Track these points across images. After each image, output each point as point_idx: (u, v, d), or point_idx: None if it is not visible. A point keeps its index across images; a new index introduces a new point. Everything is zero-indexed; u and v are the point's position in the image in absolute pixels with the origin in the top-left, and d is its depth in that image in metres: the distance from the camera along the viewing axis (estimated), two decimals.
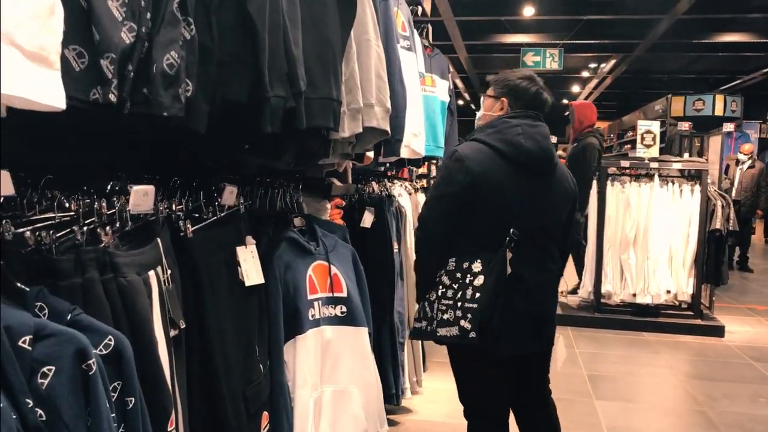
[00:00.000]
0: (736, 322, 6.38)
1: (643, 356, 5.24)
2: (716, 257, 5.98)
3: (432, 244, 2.36)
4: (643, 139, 6.22)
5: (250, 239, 1.64)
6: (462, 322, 2.19)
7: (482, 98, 2.60)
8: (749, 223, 9.57)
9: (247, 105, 1.42)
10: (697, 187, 5.93)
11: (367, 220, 3.07)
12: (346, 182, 2.97)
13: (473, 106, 22.85)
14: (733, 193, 9.24)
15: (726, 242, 6.02)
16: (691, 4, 8.90)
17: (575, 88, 18.54)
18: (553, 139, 8.87)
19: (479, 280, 2.21)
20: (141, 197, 1.20)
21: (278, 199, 2.03)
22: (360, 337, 2.02)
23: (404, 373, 3.61)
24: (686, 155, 9.18)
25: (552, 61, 10.61)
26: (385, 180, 3.61)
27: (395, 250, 3.41)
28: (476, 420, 2.43)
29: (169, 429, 1.14)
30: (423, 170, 15.62)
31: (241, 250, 1.60)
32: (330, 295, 1.97)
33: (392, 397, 3.44)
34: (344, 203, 2.88)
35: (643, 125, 6.25)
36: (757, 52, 12.39)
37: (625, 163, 6.27)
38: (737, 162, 9.60)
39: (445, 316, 2.23)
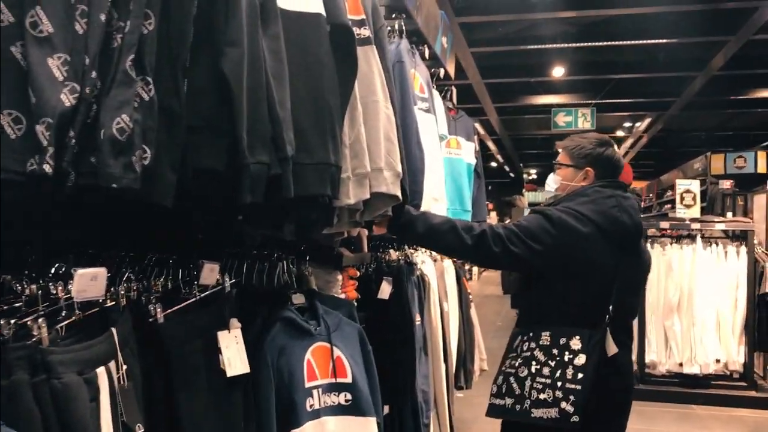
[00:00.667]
0: None
1: None
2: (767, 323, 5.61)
3: (485, 262, 2.32)
4: (682, 198, 5.94)
5: (234, 322, 1.46)
6: (563, 404, 2.06)
7: (556, 167, 2.53)
8: None
9: (225, 173, 1.26)
10: (743, 248, 5.62)
11: (385, 290, 2.87)
12: (361, 251, 2.80)
13: (507, 168, 22.76)
14: None
15: None
16: (725, 61, 8.71)
17: None
18: None
19: (580, 359, 2.09)
20: (87, 282, 1.04)
21: (278, 273, 1.86)
22: (368, 428, 1.80)
23: None
24: (729, 215, 8.84)
25: (584, 121, 10.45)
26: (406, 246, 3.41)
27: (417, 323, 3.19)
28: None
29: None
30: None
31: (223, 336, 1.41)
32: (332, 381, 1.76)
33: None
34: (359, 273, 2.69)
35: (681, 184, 5.99)
36: None
37: (664, 224, 6.01)
38: None
39: (542, 396, 2.10)
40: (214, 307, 1.45)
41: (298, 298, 1.82)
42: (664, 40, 8.35)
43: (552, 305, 2.23)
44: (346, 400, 1.79)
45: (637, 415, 5.24)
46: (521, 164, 22.14)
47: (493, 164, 21.84)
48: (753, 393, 5.56)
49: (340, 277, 2.45)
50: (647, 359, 5.79)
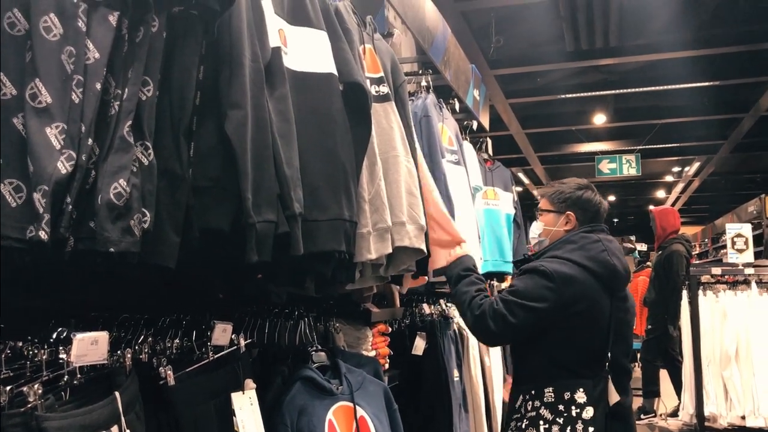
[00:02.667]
0: None
1: None
2: None
3: (481, 330, 2.19)
4: (734, 243, 5.76)
5: (249, 383, 1.45)
6: None
7: (538, 214, 2.52)
8: None
9: (232, 233, 1.27)
10: None
11: (419, 346, 2.82)
12: (392, 306, 2.77)
13: (536, 213, 22.46)
14: None
15: None
16: None
17: (660, 194, 17.93)
18: (643, 247, 8.46)
19: (588, 413, 2.07)
20: (88, 346, 1.04)
21: (300, 330, 1.84)
22: None
23: None
24: None
25: (629, 167, 10.29)
26: (441, 300, 3.37)
27: (455, 379, 3.12)
28: None
29: None
30: (506, 284, 15.30)
31: (236, 397, 1.40)
32: None
33: None
34: (390, 329, 2.65)
35: (732, 228, 5.81)
36: None
37: (716, 270, 5.79)
38: None
39: None
40: (228, 368, 1.44)
41: (320, 357, 1.80)
42: (706, 84, 8.24)
43: (551, 359, 2.18)
44: None
45: None
46: None
47: None
48: None
49: (369, 333, 2.43)
50: (707, 412, 5.51)
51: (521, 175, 14.45)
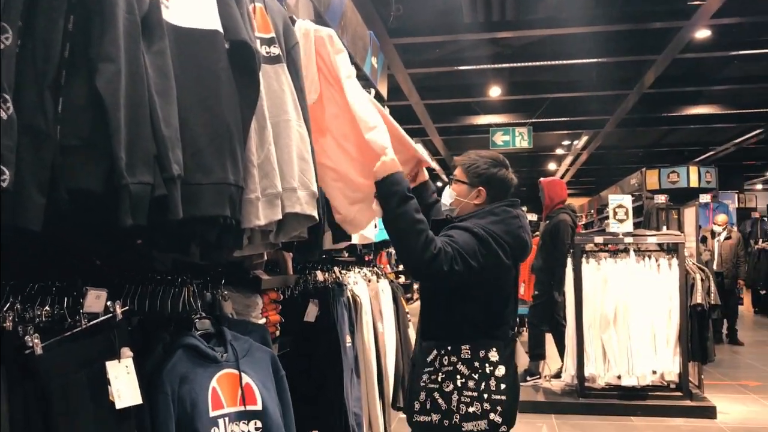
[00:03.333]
0: (728, 401, 6.07)
1: None
2: (700, 333, 5.73)
3: (432, 279, 2.27)
4: (615, 213, 6.06)
5: (126, 351, 1.39)
6: (491, 416, 2.17)
7: (452, 182, 2.57)
8: (734, 294, 9.36)
9: (105, 195, 1.21)
10: (675, 261, 5.75)
11: (311, 313, 2.82)
12: (285, 273, 2.74)
13: (450, 180, 22.97)
14: (714, 266, 9.08)
15: (709, 316, 5.78)
16: (656, 79, 9.00)
17: (551, 166, 18.68)
18: (534, 217, 8.81)
19: (501, 371, 2.22)
20: None
21: (184, 298, 1.79)
22: None
23: None
24: (664, 228, 9.08)
25: (521, 140, 10.63)
26: (336, 268, 3.37)
27: (348, 345, 3.14)
28: None
29: None
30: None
31: (111, 366, 1.34)
32: (241, 409, 1.69)
33: None
34: (282, 296, 2.63)
35: (614, 200, 6.12)
36: (726, 123, 12.54)
37: (599, 239, 6.11)
38: (713, 234, 9.50)
39: (471, 409, 2.17)
40: (102, 337, 1.37)
41: (204, 324, 1.75)
42: (594, 60, 8.58)
43: (467, 320, 2.30)
44: (257, 428, 1.72)
45: (576, 428, 5.28)
46: None
47: (439, 184, 22.04)
48: (688, 402, 5.66)
49: (259, 300, 2.39)
50: (586, 372, 5.84)
51: (420, 146, 14.63)
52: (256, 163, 1.85)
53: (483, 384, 2.19)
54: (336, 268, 3.38)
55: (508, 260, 2.28)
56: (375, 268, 4.25)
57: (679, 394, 5.74)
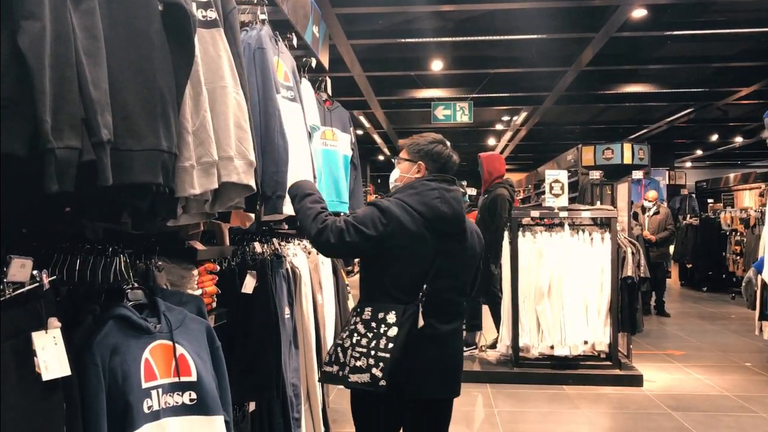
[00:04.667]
0: (654, 369, 6.33)
1: (564, 412, 5.07)
2: (630, 305, 5.95)
3: (322, 241, 2.50)
4: (551, 188, 6.19)
5: (53, 322, 1.35)
6: (374, 370, 2.38)
7: (396, 162, 2.84)
8: (662, 267, 9.72)
9: (29, 159, 1.15)
10: (608, 235, 5.92)
11: (249, 284, 2.79)
12: (222, 244, 2.70)
13: (395, 161, 23.01)
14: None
15: (639, 289, 6.00)
16: (593, 56, 9.16)
17: (491, 141, 18.90)
18: (473, 191, 8.89)
19: (393, 331, 2.41)
20: None
21: (115, 268, 1.74)
22: (214, 427, 1.72)
23: None
24: (599, 203, 9.33)
25: (462, 115, 10.69)
26: (275, 240, 3.34)
27: (286, 316, 3.13)
28: None
29: None
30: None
31: (38, 336, 1.30)
32: (175, 380, 1.67)
33: None
34: (219, 268, 2.59)
35: (550, 175, 6.24)
36: (659, 102, 12.91)
37: (535, 213, 6.23)
38: (643, 209, 9.81)
39: (358, 363, 2.42)
40: (28, 307, 1.32)
41: (136, 295, 1.71)
42: (535, 36, 8.66)
43: (376, 284, 2.55)
44: (191, 400, 1.70)
45: (512, 397, 5.43)
46: None
47: (381, 157, 22.04)
48: (617, 371, 5.88)
49: (195, 271, 2.35)
50: (521, 343, 5.99)
51: (362, 119, 14.56)
52: (191, 130, 1.81)
53: (373, 342, 2.42)
54: (275, 240, 3.36)
55: (421, 229, 2.48)
56: None
57: (609, 363, 5.95)
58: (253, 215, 2.71)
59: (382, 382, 2.36)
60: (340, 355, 2.49)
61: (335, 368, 2.49)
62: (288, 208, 2.83)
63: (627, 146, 13.01)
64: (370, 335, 2.43)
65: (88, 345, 1.51)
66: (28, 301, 1.33)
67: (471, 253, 2.67)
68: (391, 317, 2.44)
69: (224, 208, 2.14)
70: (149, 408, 1.59)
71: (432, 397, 2.60)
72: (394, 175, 2.82)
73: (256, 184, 2.13)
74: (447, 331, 2.57)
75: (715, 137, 17.49)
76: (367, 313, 2.49)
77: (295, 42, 3.76)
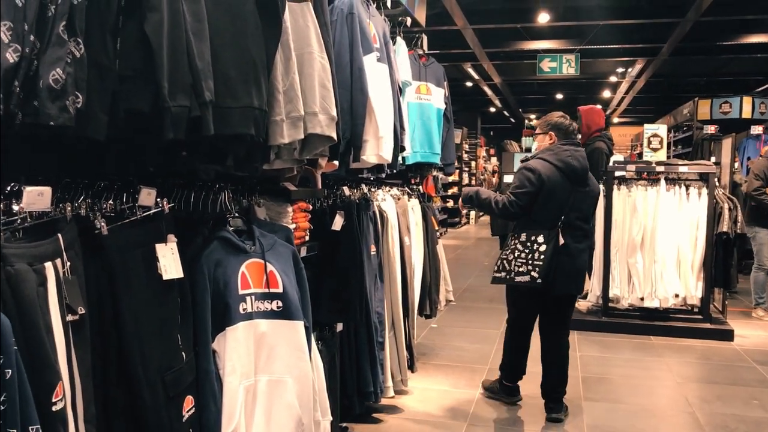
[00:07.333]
0: (750, 327, 6.30)
1: (646, 360, 5.24)
2: (724, 260, 5.92)
3: (508, 215, 3.90)
4: (650, 142, 6.20)
5: (171, 237, 1.79)
6: (532, 273, 3.69)
7: (533, 137, 4.24)
8: None
9: (151, 115, 1.57)
10: (705, 190, 5.89)
11: (337, 222, 3.20)
12: (315, 187, 3.11)
13: (506, 113, 22.85)
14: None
15: (734, 245, 5.95)
16: (708, 6, 8.81)
17: (606, 93, 18.38)
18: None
19: (542, 248, 3.69)
20: (35, 197, 1.36)
21: (220, 201, 2.17)
22: (295, 330, 2.15)
23: (384, 372, 3.72)
24: (712, 159, 9.07)
25: (569, 67, 10.60)
26: (363, 185, 3.73)
27: (372, 253, 3.53)
28: (516, 329, 4.10)
29: (54, 400, 1.29)
30: (455, 177, 15.64)
31: (160, 247, 1.74)
32: (265, 290, 2.10)
33: (371, 394, 3.56)
34: (311, 207, 3.01)
35: (649, 129, 6.25)
36: None
37: (630, 167, 6.27)
38: None
39: (521, 269, 3.73)
40: (153, 225, 1.77)
41: (236, 222, 2.14)
42: None
43: (529, 218, 3.78)
44: (278, 307, 2.13)
45: (598, 344, 5.64)
46: (520, 109, 22.19)
47: (492, 109, 21.93)
48: (707, 325, 5.91)
49: (290, 208, 2.77)
50: (611, 294, 6.14)
51: (471, 71, 14.63)
52: (282, 89, 2.19)
53: (530, 255, 3.71)
54: (364, 186, 3.75)
55: (562, 176, 3.73)
56: (406, 188, 4.59)
57: (700, 317, 5.99)
58: (336, 162, 3.09)
59: (539, 280, 3.66)
60: (506, 264, 3.80)
61: (503, 273, 3.80)
62: (372, 158, 3.20)
63: (747, 100, 12.35)
64: (527, 251, 3.71)
65: (198, 258, 1.96)
66: (153, 220, 1.78)
67: (591, 193, 3.90)
68: (541, 239, 3.69)
69: (311, 155, 2.53)
70: (244, 310, 2.03)
71: (567, 292, 3.84)
72: (534, 145, 4.14)
73: (337, 136, 2.50)
74: (578, 248, 3.77)
75: None
76: (523, 236, 3.75)
77: (389, 3, 4.07)
